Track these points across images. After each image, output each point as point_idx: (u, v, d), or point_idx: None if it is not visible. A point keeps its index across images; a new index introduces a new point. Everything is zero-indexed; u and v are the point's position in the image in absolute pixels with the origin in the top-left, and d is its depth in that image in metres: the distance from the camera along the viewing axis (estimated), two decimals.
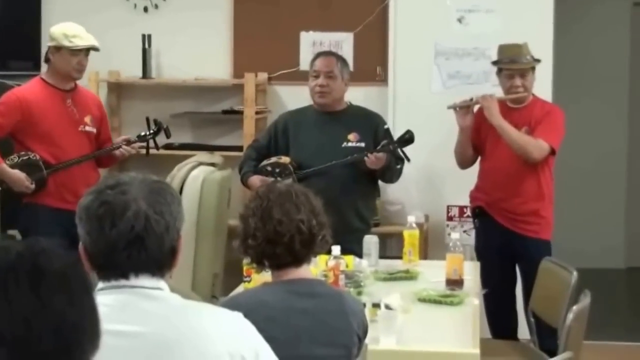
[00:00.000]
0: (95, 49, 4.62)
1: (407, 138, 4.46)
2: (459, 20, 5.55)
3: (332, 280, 3.44)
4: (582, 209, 7.38)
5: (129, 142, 4.74)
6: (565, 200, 5.80)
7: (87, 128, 4.69)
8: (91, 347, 1.28)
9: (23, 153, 4.53)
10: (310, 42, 5.75)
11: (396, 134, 4.68)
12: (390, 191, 5.41)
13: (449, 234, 4.71)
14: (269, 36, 5.76)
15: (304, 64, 5.57)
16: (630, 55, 7.56)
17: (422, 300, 3.62)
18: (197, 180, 5.12)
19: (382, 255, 4.39)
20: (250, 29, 5.79)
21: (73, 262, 1.29)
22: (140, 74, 5.76)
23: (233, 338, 1.91)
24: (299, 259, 2.58)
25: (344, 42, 5.71)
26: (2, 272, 1.20)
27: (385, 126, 4.67)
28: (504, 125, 4.52)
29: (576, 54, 7.25)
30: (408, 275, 4.02)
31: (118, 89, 5.92)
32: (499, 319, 4.72)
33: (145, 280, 1.91)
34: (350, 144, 4.57)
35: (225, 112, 5.74)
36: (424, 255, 4.99)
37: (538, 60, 4.71)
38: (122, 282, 1.90)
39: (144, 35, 5.72)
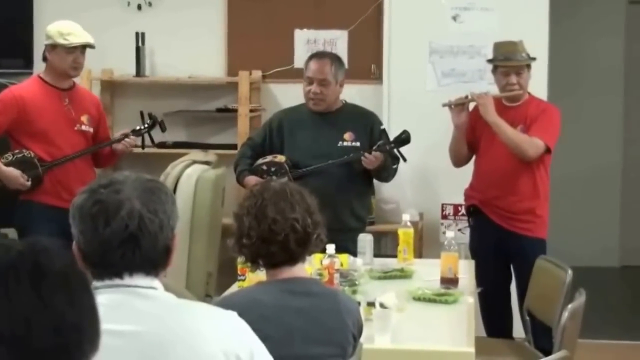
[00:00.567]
0: (91, 46, 4.62)
1: (404, 138, 4.46)
2: (454, 18, 5.55)
3: (327, 279, 3.44)
4: (577, 208, 7.39)
5: (125, 137, 4.73)
6: (560, 199, 5.80)
7: (84, 127, 4.68)
8: (91, 346, 1.28)
9: (17, 151, 4.53)
10: (304, 40, 5.75)
11: (390, 132, 4.68)
12: (384, 189, 5.40)
13: (444, 233, 4.70)
14: (263, 34, 5.75)
15: (298, 62, 5.57)
16: (625, 54, 7.56)
17: (417, 299, 3.61)
18: (191, 178, 5.11)
19: (377, 254, 4.39)
20: (244, 27, 5.77)
21: (74, 262, 1.29)
22: (133, 72, 5.74)
23: (228, 337, 1.90)
24: (294, 258, 2.58)
25: (338, 40, 5.70)
26: (2, 271, 1.19)
27: (382, 126, 4.67)
28: (500, 122, 4.52)
29: (571, 52, 7.25)
30: (403, 274, 4.01)
31: (111, 87, 5.91)
32: (494, 317, 4.72)
33: (139, 280, 1.91)
34: (345, 144, 4.56)
35: (219, 110, 5.73)
36: (419, 253, 4.98)
37: (533, 58, 4.70)
38: (117, 281, 1.90)
39: (137, 34, 5.71)
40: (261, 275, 2.73)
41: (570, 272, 3.80)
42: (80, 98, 4.73)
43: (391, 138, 4.52)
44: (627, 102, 7.60)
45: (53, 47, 4.56)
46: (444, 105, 4.72)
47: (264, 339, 2.02)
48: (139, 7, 5.87)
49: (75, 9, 5.67)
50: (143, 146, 4.80)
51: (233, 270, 3.72)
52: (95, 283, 1.91)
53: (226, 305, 2.18)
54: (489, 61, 4.77)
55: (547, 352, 3.67)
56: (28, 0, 5.79)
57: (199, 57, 5.79)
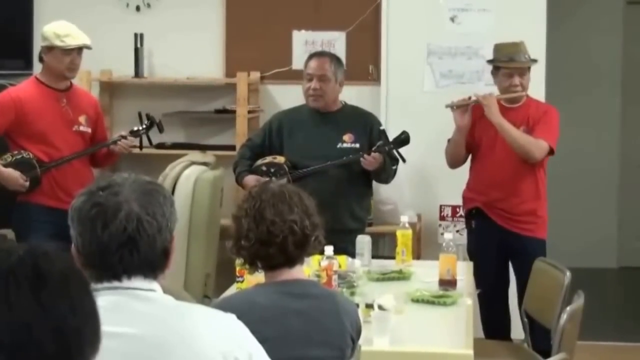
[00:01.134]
0: (88, 47, 4.60)
1: (403, 139, 4.46)
2: (452, 19, 5.55)
3: (325, 280, 3.44)
4: (575, 209, 7.39)
5: (123, 137, 4.71)
6: (558, 200, 5.80)
7: (82, 128, 4.67)
8: (92, 350, 1.28)
9: (16, 152, 4.52)
10: (302, 41, 5.75)
11: (388, 133, 4.68)
12: (382, 191, 5.40)
13: (442, 234, 4.71)
14: (261, 35, 5.75)
15: (297, 63, 5.57)
16: (623, 54, 7.57)
17: (416, 300, 3.61)
18: (189, 179, 5.11)
19: (375, 255, 4.38)
20: (243, 28, 5.78)
21: (74, 266, 1.28)
22: (132, 73, 5.74)
23: (226, 340, 1.90)
24: (292, 260, 2.57)
25: (336, 41, 5.71)
26: (3, 276, 1.19)
27: (381, 127, 4.67)
28: (505, 124, 4.51)
29: (569, 53, 7.26)
30: (401, 276, 4.01)
31: (110, 88, 5.91)
32: (493, 319, 4.72)
33: (138, 282, 1.91)
34: (345, 145, 4.56)
35: (217, 111, 5.73)
36: (417, 255, 4.98)
37: (535, 60, 4.71)
38: (115, 283, 1.90)
39: (136, 35, 5.71)
40: (260, 277, 2.73)
41: (568, 274, 3.80)
42: (78, 99, 4.72)
43: (390, 139, 4.52)
44: (624, 103, 7.61)
45: (49, 48, 4.54)
46: (447, 106, 4.69)
47: (263, 341, 2.02)
48: (138, 8, 5.87)
49: (74, 10, 5.67)
50: (141, 147, 4.80)
51: (231, 271, 3.71)
52: (94, 285, 1.90)
53: (225, 307, 2.18)
54: (490, 62, 4.75)
55: (546, 354, 3.67)
56: (28, 2, 5.79)
57: (197, 58, 5.79)
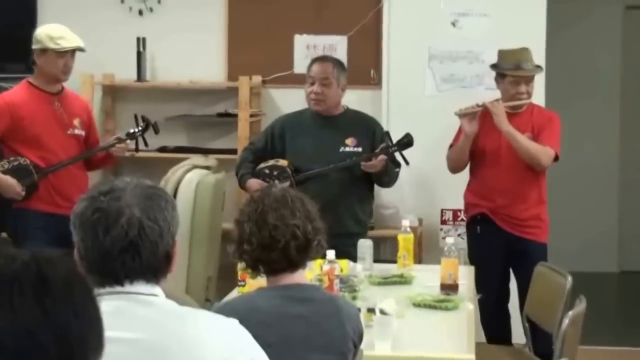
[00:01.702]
0: (81, 49, 4.56)
1: (407, 141, 4.45)
2: (453, 24, 5.55)
3: (327, 284, 3.44)
4: (576, 213, 7.39)
5: (119, 141, 4.69)
6: (558, 204, 5.80)
7: (76, 131, 4.64)
8: (95, 356, 1.28)
9: (13, 158, 4.47)
10: (304, 45, 5.75)
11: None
12: (384, 194, 5.40)
13: (443, 238, 4.70)
14: (263, 39, 5.76)
15: (298, 67, 5.58)
16: (622, 59, 7.57)
17: (417, 305, 3.61)
18: (191, 183, 5.11)
19: (376, 259, 4.38)
20: (245, 32, 5.78)
21: (78, 272, 1.29)
22: (134, 76, 5.75)
23: (229, 345, 1.90)
24: (294, 265, 2.58)
25: (338, 45, 5.71)
26: (7, 282, 1.19)
27: (384, 130, 4.68)
28: (514, 132, 4.51)
29: (568, 58, 7.26)
30: (403, 280, 4.01)
31: (113, 91, 5.92)
32: (494, 323, 4.72)
33: (140, 287, 1.91)
34: (347, 149, 4.57)
35: (219, 115, 5.74)
36: (418, 259, 4.98)
37: (540, 67, 4.72)
38: (117, 288, 1.90)
39: (138, 38, 5.72)
40: (262, 281, 2.74)
41: (570, 278, 3.80)
42: (71, 102, 4.68)
43: (393, 142, 4.52)
44: (624, 107, 7.61)
45: (43, 51, 4.51)
46: (457, 114, 4.67)
47: (265, 345, 2.02)
48: (140, 12, 5.88)
49: (77, 14, 5.69)
50: (137, 149, 4.75)
51: (233, 275, 3.71)
52: (97, 290, 1.91)
53: (227, 311, 2.18)
54: (494, 67, 4.73)
55: (547, 358, 3.67)
56: (31, 6, 5.80)
57: (199, 62, 5.80)
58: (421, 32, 5.56)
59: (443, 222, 5.53)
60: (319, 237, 2.62)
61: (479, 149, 4.70)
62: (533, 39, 5.24)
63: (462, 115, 4.65)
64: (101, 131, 5.79)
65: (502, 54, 4.70)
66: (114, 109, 5.91)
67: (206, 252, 5.13)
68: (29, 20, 5.73)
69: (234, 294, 3.58)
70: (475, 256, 4.73)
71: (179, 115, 5.79)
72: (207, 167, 5.32)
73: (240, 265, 3.25)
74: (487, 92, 4.94)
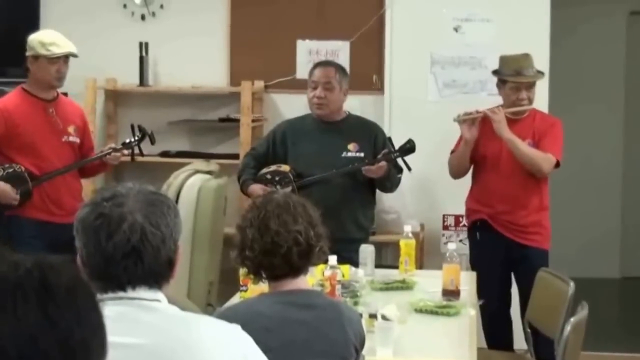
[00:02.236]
0: (74, 55, 4.53)
1: (409, 147, 4.46)
2: (455, 29, 5.56)
3: (329, 290, 3.44)
4: (578, 218, 7.38)
5: (114, 150, 4.66)
6: (561, 209, 5.80)
7: (71, 138, 4.60)
8: None
9: (7, 165, 4.43)
10: (306, 51, 5.76)
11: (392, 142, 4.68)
12: (385, 200, 5.41)
13: (445, 243, 4.70)
14: (265, 44, 5.77)
15: (301, 72, 5.58)
16: (626, 65, 7.57)
17: (419, 310, 3.61)
18: (193, 188, 5.11)
19: (378, 264, 4.39)
20: (247, 37, 5.79)
21: (82, 279, 1.29)
22: (137, 81, 5.76)
23: (231, 350, 1.91)
24: (297, 270, 2.58)
25: (340, 51, 5.72)
26: (10, 288, 1.19)
27: (387, 135, 4.68)
28: (514, 139, 4.51)
29: (572, 63, 7.25)
30: (404, 285, 4.01)
31: (115, 96, 5.92)
32: (495, 329, 4.71)
33: (142, 292, 1.91)
34: (350, 154, 4.57)
35: (221, 120, 5.74)
36: (420, 264, 4.98)
37: (542, 73, 4.71)
38: (120, 294, 1.91)
39: (141, 43, 5.73)
40: (263, 286, 2.74)
41: (572, 284, 3.80)
42: (65, 109, 4.65)
43: (395, 148, 4.52)
44: (627, 113, 7.60)
45: (35, 57, 4.48)
46: (455, 120, 4.68)
47: (266, 350, 2.03)
48: (143, 17, 5.89)
49: (80, 19, 5.71)
50: (133, 158, 4.73)
51: (234, 280, 3.72)
52: (99, 296, 1.91)
53: (229, 316, 2.19)
54: (495, 73, 4.74)
55: None
56: (34, 10, 5.81)
57: (202, 67, 5.81)
58: (424, 38, 5.57)
59: (445, 227, 5.53)
60: (321, 243, 2.62)
61: (480, 155, 4.70)
62: (536, 44, 5.24)
63: (461, 121, 4.65)
64: (103, 136, 5.81)
65: (503, 60, 4.71)
66: (116, 114, 5.92)
67: (208, 257, 5.13)
68: (32, 25, 5.73)
69: (236, 299, 3.59)
70: (475, 262, 4.74)
71: (181, 120, 5.80)
72: (209, 172, 5.32)
73: (243, 271, 3.26)
74: (490, 98, 4.94)
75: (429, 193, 5.58)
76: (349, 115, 4.72)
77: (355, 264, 4.09)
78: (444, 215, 5.53)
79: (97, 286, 1.90)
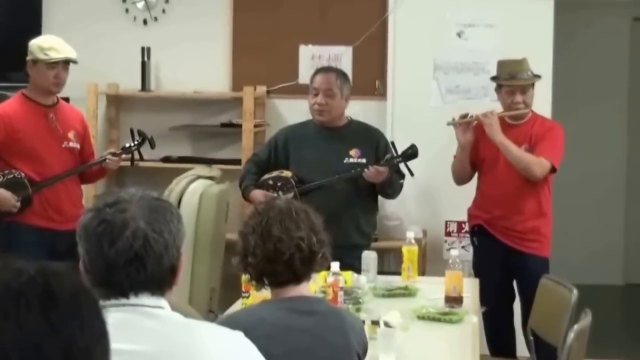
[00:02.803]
0: (73, 61, 4.50)
1: (411, 153, 4.45)
2: (459, 35, 5.55)
3: (331, 296, 3.42)
4: (581, 224, 7.38)
5: (114, 155, 4.65)
6: (564, 215, 5.79)
7: (71, 144, 4.58)
8: None
9: (7, 171, 4.41)
10: (309, 56, 5.76)
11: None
12: (388, 206, 5.40)
13: (448, 250, 4.69)
14: (267, 50, 5.76)
15: (303, 77, 5.58)
16: (630, 70, 7.57)
17: (421, 317, 3.60)
18: (195, 193, 5.11)
19: (380, 271, 4.38)
20: (249, 42, 5.79)
21: (85, 286, 1.28)
22: (139, 86, 5.76)
23: (234, 357, 1.90)
24: (299, 277, 2.57)
25: (342, 56, 5.71)
26: (13, 295, 1.19)
27: (389, 140, 4.67)
28: (506, 142, 4.51)
29: (575, 69, 7.26)
30: (407, 292, 4.00)
31: (117, 101, 5.92)
32: (498, 336, 4.70)
33: (145, 299, 1.91)
34: (351, 160, 4.56)
35: (223, 125, 5.73)
36: (422, 270, 4.98)
37: (538, 77, 4.70)
38: (122, 300, 1.90)
39: (143, 48, 5.73)
40: (266, 293, 2.73)
41: (575, 291, 3.79)
42: (65, 114, 4.62)
43: (398, 153, 4.51)
44: (631, 117, 7.60)
45: (34, 62, 4.46)
46: (449, 124, 4.70)
47: (269, 358, 2.02)
48: (145, 21, 5.89)
49: (82, 24, 5.71)
50: (132, 163, 4.72)
51: (236, 286, 3.71)
52: (102, 302, 1.90)
53: (231, 323, 2.18)
54: (493, 79, 4.76)
55: None
56: (36, 15, 5.80)
57: (204, 72, 5.80)
58: (427, 43, 5.56)
59: (447, 233, 5.52)
60: (324, 250, 2.61)
61: (479, 159, 4.71)
62: (539, 49, 5.24)
63: (455, 125, 4.65)
64: (105, 141, 5.80)
65: (499, 64, 4.73)
66: (117, 119, 5.91)
67: (209, 263, 5.12)
68: (34, 30, 5.72)
69: (238, 305, 3.58)
70: (475, 268, 4.73)
71: (183, 125, 5.79)
72: (211, 178, 5.32)
73: (245, 277, 3.25)
74: (493, 103, 4.94)
75: (431, 199, 5.57)
76: (350, 121, 4.71)
77: (357, 270, 4.08)
78: (446, 222, 5.52)
79: (100, 293, 1.90)
